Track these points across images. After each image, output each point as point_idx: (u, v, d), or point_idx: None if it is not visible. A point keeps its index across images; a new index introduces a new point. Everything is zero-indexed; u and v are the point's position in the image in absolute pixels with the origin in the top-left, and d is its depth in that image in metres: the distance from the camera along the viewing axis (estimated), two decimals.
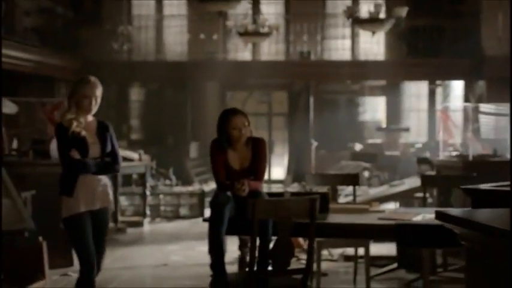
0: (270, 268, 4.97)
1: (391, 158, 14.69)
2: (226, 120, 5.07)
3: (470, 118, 8.66)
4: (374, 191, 10.70)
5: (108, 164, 4.92)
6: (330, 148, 17.25)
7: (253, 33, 13.86)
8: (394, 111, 18.38)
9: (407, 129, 17.60)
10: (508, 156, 8.48)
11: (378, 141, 17.84)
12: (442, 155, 8.70)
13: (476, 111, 8.77)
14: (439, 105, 18.31)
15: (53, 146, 7.83)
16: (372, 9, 11.88)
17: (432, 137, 18.04)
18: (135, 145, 16.16)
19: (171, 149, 17.33)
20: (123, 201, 11.85)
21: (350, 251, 7.70)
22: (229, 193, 5.00)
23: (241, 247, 5.95)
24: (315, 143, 16.64)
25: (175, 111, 17.95)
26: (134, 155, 12.73)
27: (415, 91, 18.59)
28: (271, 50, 17.70)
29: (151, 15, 18.41)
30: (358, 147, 17.28)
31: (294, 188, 12.92)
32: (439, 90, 18.44)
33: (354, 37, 17.73)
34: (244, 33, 13.81)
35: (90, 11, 17.15)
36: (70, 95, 4.86)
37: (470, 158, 8.19)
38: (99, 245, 4.97)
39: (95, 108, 4.86)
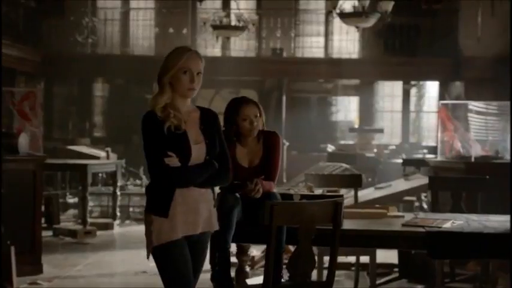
0: (283, 281, 4.35)
1: (370, 159, 14.17)
2: (236, 109, 4.43)
3: (457, 116, 8.10)
4: (359, 193, 10.11)
5: (219, 172, 3.67)
6: (302, 149, 16.69)
7: (228, 27, 13.21)
8: (367, 112, 17.89)
9: (381, 130, 17.10)
10: (508, 157, 7.98)
11: (351, 142, 17.31)
12: (441, 157, 8.13)
13: (466, 109, 8.21)
14: (412, 106, 17.91)
15: (22, 139, 7.09)
16: (356, 3, 11.33)
17: (406, 138, 17.62)
18: (98, 143, 15.42)
19: (136, 147, 16.55)
20: (90, 201, 11.09)
21: (350, 258, 7.13)
22: (237, 194, 4.36)
23: (239, 255, 5.29)
24: (286, 144, 16.05)
25: (141, 107, 17.11)
26: (101, 153, 12.03)
27: (389, 91, 18.13)
28: (242, 46, 17.10)
29: (118, 8, 17.64)
30: (330, 148, 16.74)
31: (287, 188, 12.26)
32: (413, 91, 18.00)
33: (328, 34, 17.20)
34: (219, 27, 13.15)
35: (53, 2, 16.33)
36: (163, 70, 3.63)
37: (473, 159, 7.66)
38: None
39: (196, 90, 3.65)
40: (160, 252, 3.57)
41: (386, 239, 4.41)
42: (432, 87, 17.56)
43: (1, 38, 9.23)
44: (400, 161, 14.72)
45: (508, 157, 8.02)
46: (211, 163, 3.62)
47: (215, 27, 13.32)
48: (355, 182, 6.55)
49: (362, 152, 14.80)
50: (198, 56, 3.68)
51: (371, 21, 11.14)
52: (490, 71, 14.59)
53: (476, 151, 7.82)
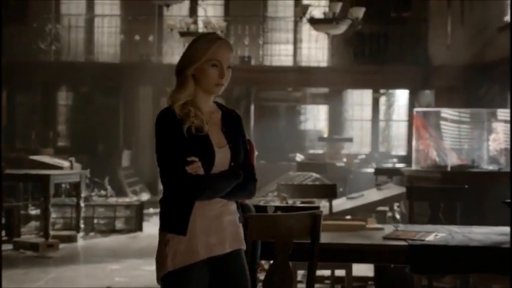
0: None
1: (340, 169, 13.95)
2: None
3: (433, 125, 7.90)
4: (339, 201, 9.89)
5: (244, 183, 3.13)
6: (270, 158, 16.41)
7: (196, 34, 12.88)
8: (336, 121, 17.68)
9: (350, 140, 16.91)
10: (486, 167, 7.80)
11: (320, 151, 17.09)
12: (416, 166, 7.92)
13: (438, 117, 8.02)
14: (382, 115, 17.75)
15: None
16: (326, 9, 11.10)
17: (376, 147, 17.44)
18: (62, 153, 15.01)
19: (101, 157, 16.19)
20: (52, 213, 10.70)
21: (324, 271, 6.86)
22: None
23: None
24: (256, 153, 15.77)
25: (106, 116, 16.82)
26: (65, 163, 11.67)
27: (359, 100, 17.94)
28: None
29: (82, 14, 17.26)
30: (299, 157, 16.50)
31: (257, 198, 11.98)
32: (382, 100, 17.84)
33: (296, 42, 16.99)
34: (186, 34, 12.83)
35: (14, 7, 15.90)
36: (187, 61, 3.02)
37: (449, 169, 7.46)
38: None
39: (224, 86, 3.11)
40: (177, 278, 2.98)
41: (367, 253, 4.15)
42: (402, 96, 17.41)
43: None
44: (371, 170, 14.54)
45: (484, 166, 7.85)
46: (237, 171, 3.08)
47: (182, 33, 13.00)
48: (329, 192, 6.29)
49: (332, 162, 14.58)
50: (229, 46, 3.11)
51: (342, 28, 10.92)
52: (460, 80, 14.49)
53: (452, 160, 7.62)
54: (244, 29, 16.74)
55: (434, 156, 7.67)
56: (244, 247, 3.18)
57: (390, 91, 17.64)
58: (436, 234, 4.37)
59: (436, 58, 15.31)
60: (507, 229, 4.67)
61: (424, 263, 4.02)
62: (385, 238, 4.29)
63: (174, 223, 2.98)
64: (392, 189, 9.70)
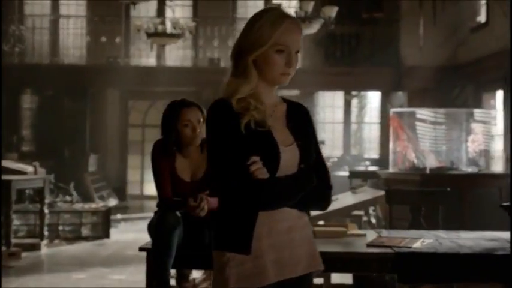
0: None
1: None
2: (176, 114, 3.82)
3: (406, 126, 7.64)
4: None
5: (319, 189, 2.51)
6: None
7: (164, 34, 12.55)
8: None
9: (321, 142, 16.57)
10: (465, 169, 7.56)
11: None
12: (393, 168, 7.64)
13: (415, 118, 7.76)
14: (354, 117, 17.52)
15: None
16: (298, 9, 10.81)
17: (348, 150, 17.20)
18: (26, 158, 14.54)
19: (67, 162, 15.74)
20: (15, 220, 10.28)
21: None
22: (178, 213, 3.75)
23: (181, 282, 4.68)
24: None
25: (72, 120, 16.35)
26: (28, 168, 11.23)
27: (330, 102, 17.68)
28: (178, 55, 16.46)
29: (47, 15, 16.81)
30: None
31: None
32: (354, 102, 17.60)
33: None
34: (154, 34, 12.47)
35: None
36: (247, 46, 2.49)
37: (428, 171, 7.20)
38: None
39: (291, 75, 2.54)
40: None
41: (351, 262, 3.86)
42: (374, 98, 17.18)
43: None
44: (345, 173, 14.27)
45: (463, 168, 7.61)
46: (309, 175, 2.48)
47: (150, 34, 12.63)
48: None
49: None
50: (298, 26, 2.56)
51: (314, 27, 10.65)
52: (433, 81, 14.33)
53: (430, 162, 7.37)
54: (213, 30, 16.42)
55: (412, 158, 7.40)
56: (322, 268, 2.61)
57: (362, 93, 17.41)
58: (423, 240, 4.09)
59: (408, 59, 15.09)
60: (497, 234, 4.42)
61: (413, 271, 3.74)
62: (368, 245, 4.00)
63: (234, 239, 2.42)
64: (368, 193, 9.42)
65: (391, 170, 7.78)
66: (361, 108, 17.57)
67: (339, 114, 17.47)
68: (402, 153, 7.51)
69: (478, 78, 13.21)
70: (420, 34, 14.44)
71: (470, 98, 13.30)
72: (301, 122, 2.61)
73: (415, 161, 7.40)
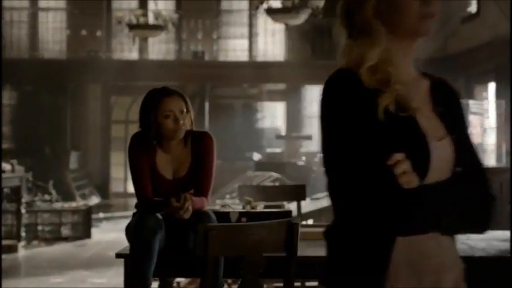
0: None
1: (301, 168, 13.29)
2: (156, 103, 3.43)
3: None
4: (293, 205, 9.19)
5: (481, 205, 1.74)
6: (226, 158, 15.67)
7: (146, 27, 12.13)
8: (294, 118, 17.00)
9: (309, 137, 16.25)
10: None
11: (278, 150, 16.42)
12: None
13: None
14: None
15: None
16: None
17: None
18: (5, 155, 14.07)
19: (48, 159, 15.30)
20: None
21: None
22: (159, 215, 3.35)
23: None
24: None
25: (52, 116, 15.91)
26: (6, 166, 10.78)
27: (317, 96, 17.21)
28: (161, 49, 16.04)
29: (25, 8, 16.33)
30: (256, 156, 15.83)
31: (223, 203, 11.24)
32: None
33: (252, 37, 16.28)
34: (136, 26, 12.06)
35: None
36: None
37: None
38: None
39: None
40: None
41: None
42: None
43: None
44: None
45: None
46: (470, 183, 1.73)
47: (132, 26, 12.22)
48: (297, 193, 5.61)
49: (293, 161, 13.93)
50: None
51: (302, 18, 10.28)
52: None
53: None
54: (197, 23, 16.04)
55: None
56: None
57: None
58: None
59: None
60: (509, 234, 4.05)
61: None
62: None
63: (361, 271, 1.68)
64: None
65: None
66: None
67: None
68: None
69: (469, 70, 12.91)
70: None
71: (462, 90, 12.97)
72: (453, 106, 1.81)
73: None
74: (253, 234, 2.95)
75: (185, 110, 3.42)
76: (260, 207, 4.49)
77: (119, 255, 3.45)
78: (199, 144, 3.45)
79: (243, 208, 4.25)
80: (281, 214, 3.91)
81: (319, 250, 3.60)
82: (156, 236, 3.25)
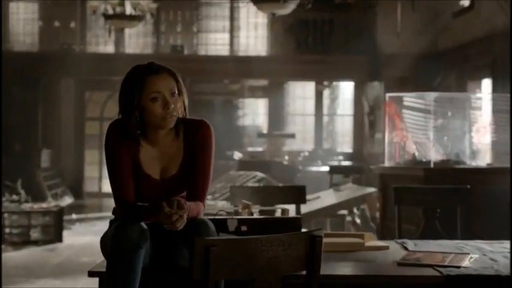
0: None
1: (286, 167, 12.68)
2: (139, 82, 2.73)
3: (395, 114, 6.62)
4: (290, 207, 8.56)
5: None
6: None
7: (123, 17, 11.41)
8: (277, 116, 16.38)
9: (292, 136, 15.64)
10: (469, 162, 6.59)
11: (259, 149, 15.79)
12: (389, 162, 6.61)
13: (400, 104, 6.75)
14: (326, 109, 16.59)
15: None
16: None
17: (319, 144, 16.25)
18: None
19: (18, 157, 14.51)
20: None
21: None
22: (143, 224, 2.67)
23: None
24: None
25: (23, 112, 15.15)
26: None
27: (301, 93, 16.69)
28: (138, 42, 15.35)
29: None
30: (237, 155, 15.17)
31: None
32: (326, 93, 16.63)
33: (233, 30, 15.62)
34: (112, 16, 11.34)
35: None
36: None
37: (432, 165, 6.20)
38: None
39: None
40: None
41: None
42: (347, 89, 16.24)
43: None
44: (320, 168, 13.40)
45: (467, 162, 6.64)
46: None
47: (108, 16, 11.49)
48: (297, 195, 4.94)
49: (278, 160, 13.31)
50: None
51: (290, 7, 9.63)
52: (412, 69, 13.49)
53: (434, 155, 6.37)
54: (176, 15, 15.36)
55: (413, 150, 6.39)
56: None
57: (334, 83, 16.45)
58: (471, 256, 3.08)
59: (385, 47, 14.19)
60: None
61: None
62: (401, 264, 2.97)
63: None
64: (354, 190, 8.48)
65: (386, 164, 6.74)
66: (334, 99, 16.63)
67: (310, 106, 16.51)
68: (400, 144, 6.48)
69: (461, 66, 12.38)
70: (398, 20, 13.53)
71: (454, 86, 12.45)
72: None
73: (416, 153, 6.38)
74: (266, 250, 2.29)
75: (176, 92, 2.74)
76: (255, 212, 3.85)
77: (92, 274, 2.77)
78: (194, 135, 2.76)
79: (238, 213, 3.60)
80: (290, 222, 3.26)
81: (338, 266, 2.96)
82: (140, 250, 2.57)
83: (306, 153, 15.55)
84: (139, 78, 2.71)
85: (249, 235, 2.84)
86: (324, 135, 16.47)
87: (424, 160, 6.33)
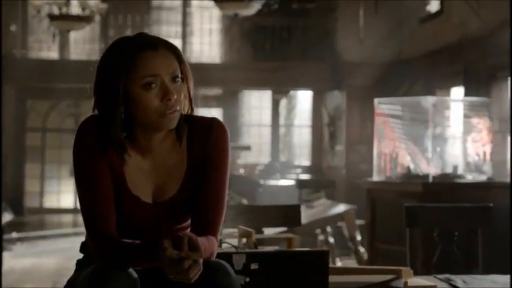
0: None
1: (247, 181, 11.94)
2: (127, 61, 1.88)
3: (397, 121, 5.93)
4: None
5: None
6: None
7: (69, 17, 10.53)
8: (231, 126, 15.60)
9: (247, 148, 14.91)
10: (469, 177, 5.91)
11: None
12: (379, 176, 5.87)
13: (390, 111, 6.07)
14: (282, 119, 15.94)
15: None
16: None
17: (276, 156, 15.55)
18: None
19: None
20: None
21: None
22: (133, 272, 1.82)
23: None
24: None
25: None
26: None
27: (257, 103, 16.02)
28: (84, 48, 14.48)
29: None
30: None
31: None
32: (283, 102, 15.98)
33: (186, 36, 14.86)
34: (59, 17, 10.46)
35: None
36: None
37: (431, 179, 5.50)
38: None
39: None
40: None
41: None
42: (304, 98, 15.62)
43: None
44: (279, 182, 12.79)
45: (465, 175, 5.96)
46: None
47: (53, 17, 10.61)
48: (289, 217, 4.16)
49: (237, 173, 12.59)
50: None
51: (254, 7, 8.96)
52: (376, 77, 12.97)
53: (431, 168, 5.66)
54: (125, 19, 14.55)
55: (407, 162, 5.66)
56: None
57: (292, 93, 15.81)
58: None
59: (346, 54, 13.60)
60: None
61: None
62: None
63: None
64: (328, 207, 7.76)
65: (375, 178, 6.00)
66: (291, 109, 15.98)
67: (267, 116, 15.83)
68: (392, 156, 5.75)
69: (430, 74, 11.87)
70: (360, 25, 12.98)
71: (422, 94, 11.93)
72: None
73: (411, 166, 5.66)
74: None
75: (180, 76, 1.91)
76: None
77: None
78: (204, 141, 1.93)
79: (240, 244, 2.82)
80: (314, 257, 2.47)
81: None
82: None
83: (262, 167, 14.84)
84: (126, 55, 1.86)
85: (261, 274, 2.12)
86: (281, 147, 15.80)
87: (420, 174, 5.62)
